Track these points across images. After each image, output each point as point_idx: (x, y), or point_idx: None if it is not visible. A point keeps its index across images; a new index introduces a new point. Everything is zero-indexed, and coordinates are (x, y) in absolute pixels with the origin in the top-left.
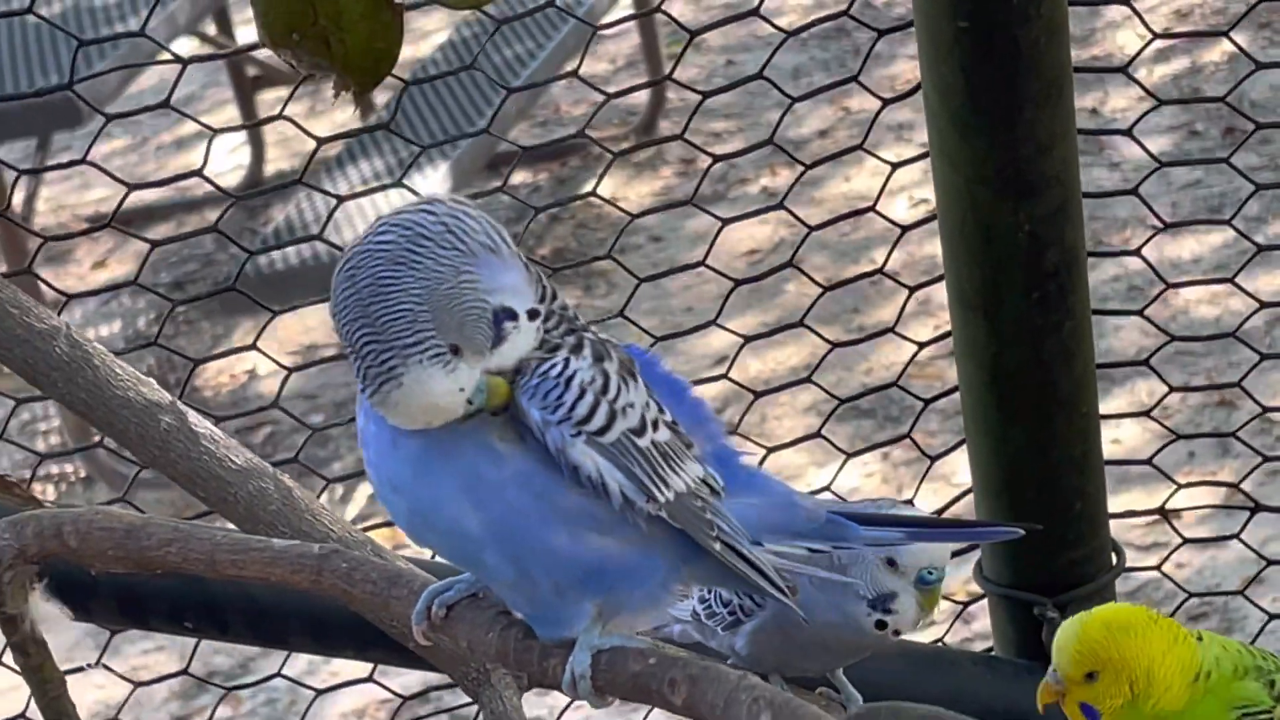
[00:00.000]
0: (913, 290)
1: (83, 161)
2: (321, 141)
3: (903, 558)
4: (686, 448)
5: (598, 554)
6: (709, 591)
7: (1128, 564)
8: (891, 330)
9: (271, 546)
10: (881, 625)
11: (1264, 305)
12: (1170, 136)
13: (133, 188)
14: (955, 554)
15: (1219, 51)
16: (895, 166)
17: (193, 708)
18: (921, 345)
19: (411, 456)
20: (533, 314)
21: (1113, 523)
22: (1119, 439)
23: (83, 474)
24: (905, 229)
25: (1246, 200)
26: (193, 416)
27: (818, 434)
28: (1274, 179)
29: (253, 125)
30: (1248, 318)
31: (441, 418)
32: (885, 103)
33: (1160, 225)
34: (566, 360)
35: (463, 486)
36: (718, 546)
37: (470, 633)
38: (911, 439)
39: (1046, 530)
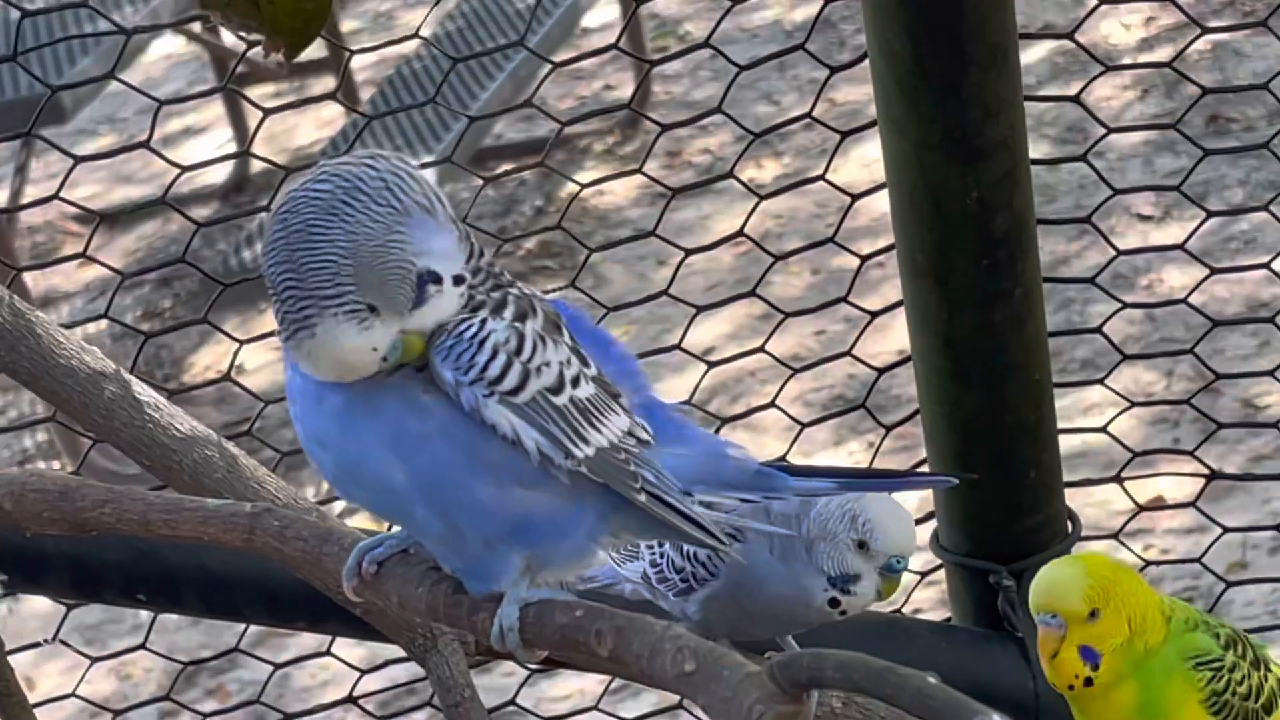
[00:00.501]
0: (875, 314)
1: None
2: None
3: (876, 542)
4: (613, 399)
5: (523, 506)
6: (660, 557)
7: (1084, 532)
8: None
9: (205, 506)
10: (834, 603)
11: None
12: (1155, 122)
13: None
14: (916, 521)
15: (1203, 39)
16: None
17: (180, 699)
18: (874, 314)
19: (337, 411)
20: (458, 279)
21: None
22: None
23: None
24: (856, 197)
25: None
26: (137, 385)
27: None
28: (1257, 166)
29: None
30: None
31: (354, 373)
32: (832, 71)
33: (1146, 215)
34: (482, 321)
35: (388, 440)
36: (642, 498)
37: (400, 588)
38: (873, 414)
39: (1002, 498)
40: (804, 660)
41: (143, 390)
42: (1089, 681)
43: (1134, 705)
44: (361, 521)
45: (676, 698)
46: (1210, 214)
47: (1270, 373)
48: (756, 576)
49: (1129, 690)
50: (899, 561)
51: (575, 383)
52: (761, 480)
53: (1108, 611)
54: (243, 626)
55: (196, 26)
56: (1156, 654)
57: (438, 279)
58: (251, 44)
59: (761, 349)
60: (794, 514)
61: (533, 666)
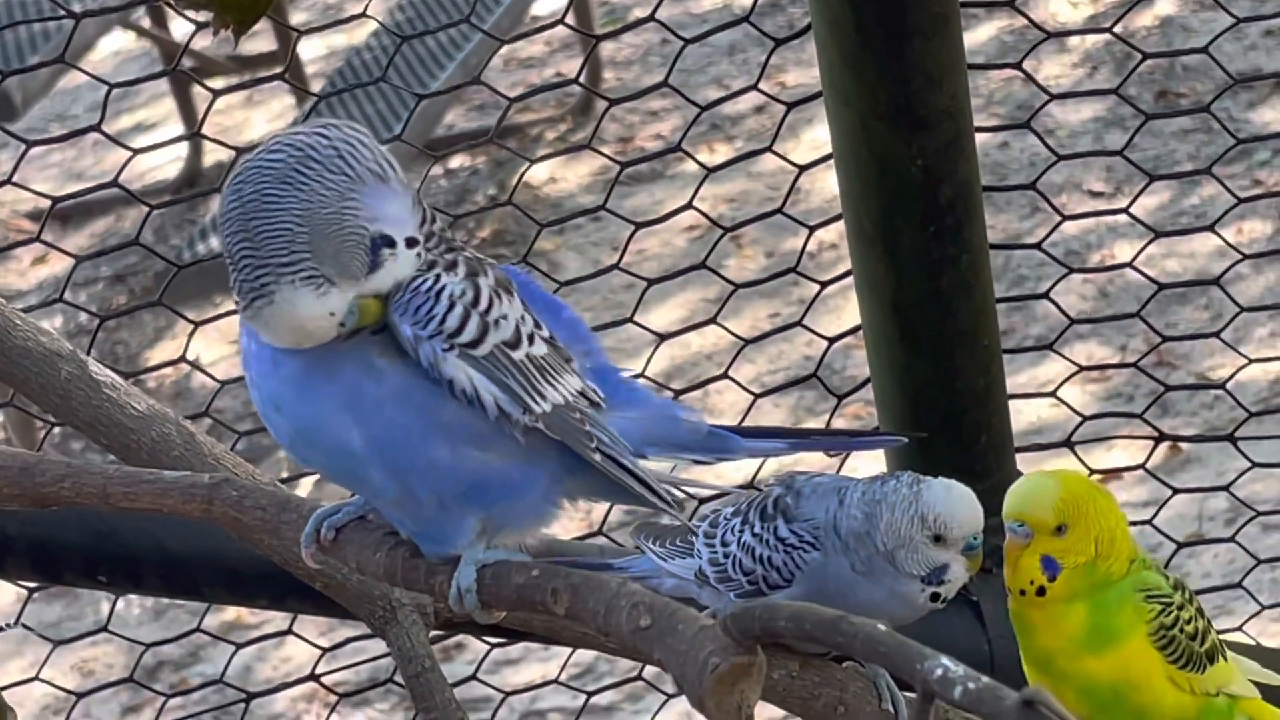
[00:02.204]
0: (824, 284)
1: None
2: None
3: (951, 531)
4: (565, 361)
5: (479, 467)
6: (724, 557)
7: None
8: (800, 323)
9: (163, 478)
10: (934, 597)
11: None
12: (1103, 101)
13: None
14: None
15: (1150, 16)
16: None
17: (143, 698)
18: (824, 284)
19: (292, 376)
20: (411, 242)
21: None
22: (1056, 404)
23: None
24: (803, 168)
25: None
26: (93, 365)
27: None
28: (1206, 140)
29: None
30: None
31: (311, 339)
32: (777, 43)
33: (1097, 191)
34: (438, 276)
35: (344, 404)
36: (597, 457)
37: (358, 553)
38: (824, 383)
39: (953, 463)
40: (757, 611)
41: (99, 370)
42: (1041, 591)
43: (1082, 628)
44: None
45: (638, 680)
46: (1153, 178)
47: (1217, 334)
48: (841, 588)
49: (1079, 612)
50: (975, 538)
51: (531, 339)
52: (713, 442)
53: (1076, 529)
54: (205, 623)
55: (146, 21)
56: (1113, 584)
57: (391, 243)
58: (200, 25)
59: (713, 320)
60: (863, 531)
61: (493, 641)
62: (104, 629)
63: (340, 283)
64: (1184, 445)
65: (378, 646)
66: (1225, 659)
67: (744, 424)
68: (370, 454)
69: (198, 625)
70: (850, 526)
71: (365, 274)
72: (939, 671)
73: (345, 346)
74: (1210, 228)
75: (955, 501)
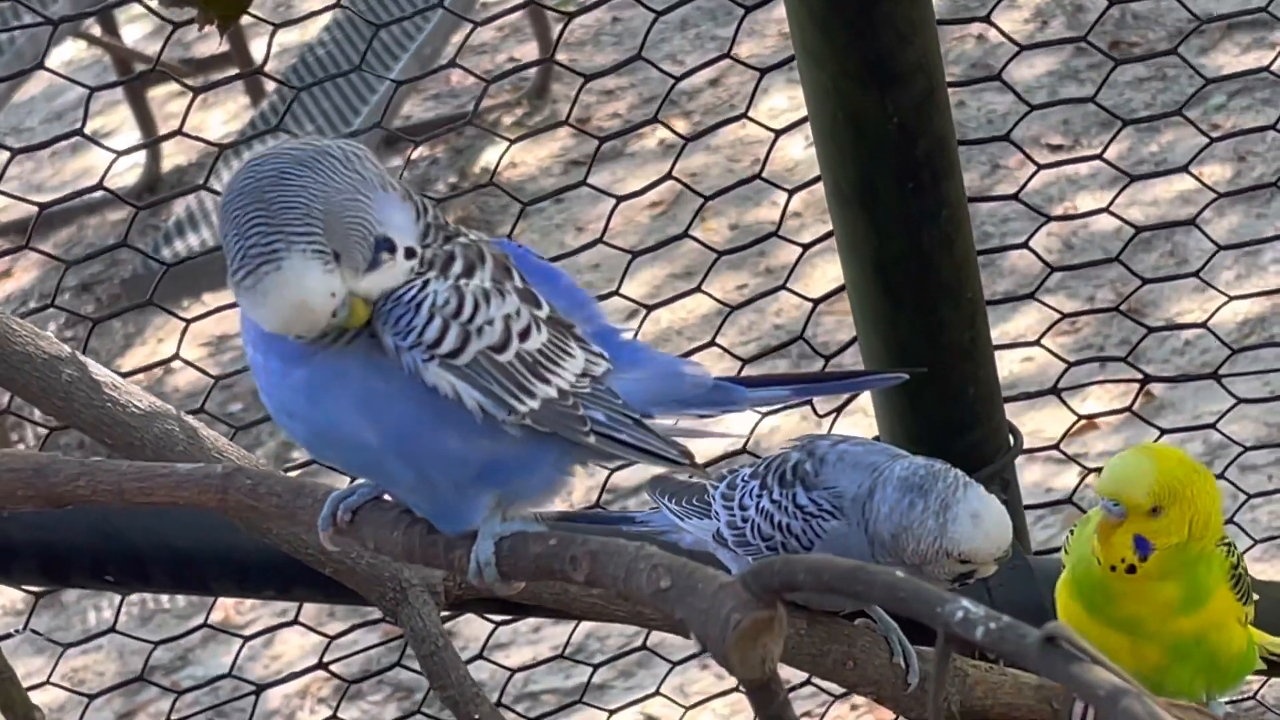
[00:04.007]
0: (808, 245)
1: None
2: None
3: (977, 558)
4: (567, 330)
5: (490, 451)
6: (742, 520)
7: (1025, 445)
8: (785, 287)
9: (176, 471)
10: (963, 584)
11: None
12: (1058, 54)
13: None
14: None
15: None
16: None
17: (136, 703)
18: (805, 246)
19: (303, 384)
20: (410, 253)
21: None
22: (1030, 356)
23: None
24: (778, 133)
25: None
26: (93, 366)
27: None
28: (1162, 88)
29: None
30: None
31: (302, 321)
32: (747, 10)
33: (1055, 145)
34: (424, 283)
35: (356, 404)
36: (592, 440)
37: (376, 533)
38: (811, 344)
39: (942, 416)
40: (775, 566)
41: (99, 370)
42: (1132, 569)
43: (1177, 601)
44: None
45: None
46: (1126, 123)
47: (1196, 273)
48: (862, 557)
49: (1172, 588)
50: (1007, 551)
51: (524, 335)
52: (718, 394)
53: (1172, 511)
54: (196, 624)
55: (97, 29)
56: (1204, 555)
57: (392, 248)
58: (178, 24)
59: (699, 289)
60: (890, 548)
61: (497, 620)
62: (112, 629)
63: (344, 266)
64: (1157, 392)
65: (369, 638)
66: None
67: (755, 427)
68: (386, 447)
69: (206, 620)
70: (877, 535)
71: (364, 270)
72: (959, 614)
73: (351, 348)
74: (1185, 169)
75: (982, 537)
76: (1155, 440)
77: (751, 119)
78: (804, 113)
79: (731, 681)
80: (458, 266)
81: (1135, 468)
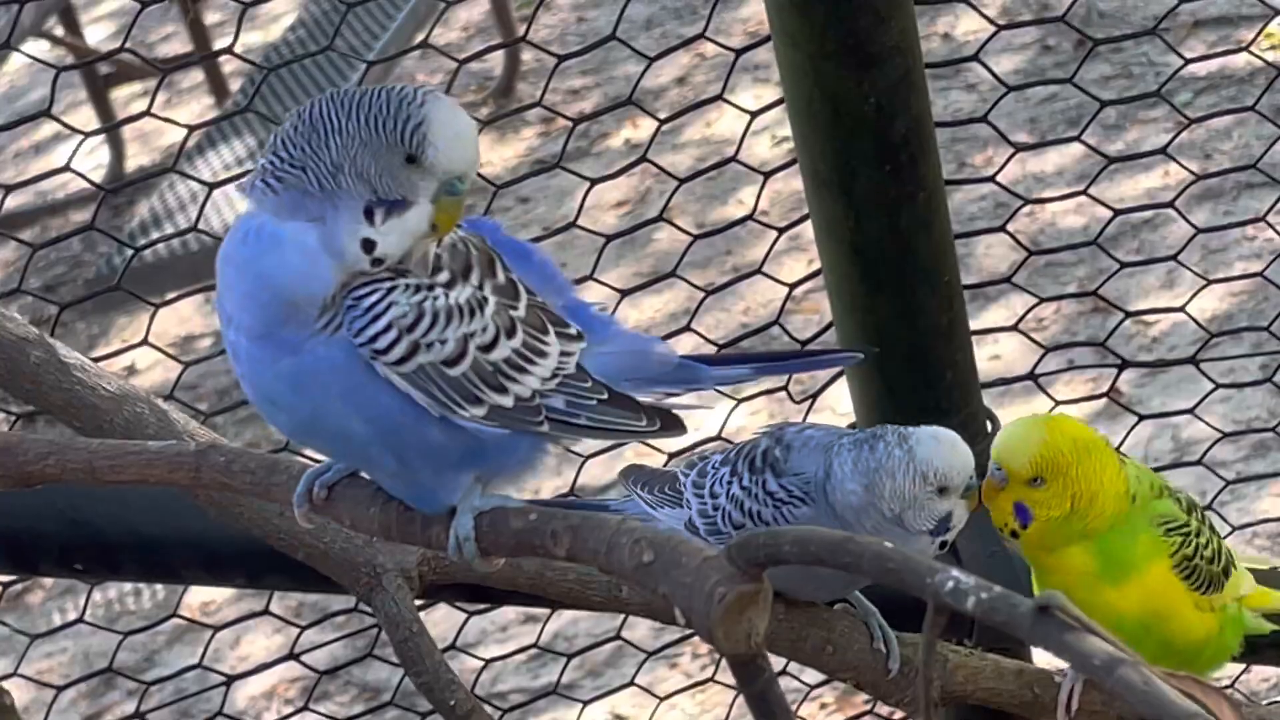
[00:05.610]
0: (782, 232)
1: None
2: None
3: (952, 479)
4: (541, 313)
5: (470, 438)
6: (713, 509)
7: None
8: (760, 271)
9: (148, 449)
10: (944, 545)
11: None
12: (1024, 53)
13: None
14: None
15: None
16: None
17: (102, 704)
18: (781, 230)
19: (287, 373)
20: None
21: None
22: (997, 354)
23: None
24: (755, 114)
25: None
26: (61, 348)
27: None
28: (1127, 86)
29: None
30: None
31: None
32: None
33: (1021, 145)
34: (389, 289)
35: (341, 394)
36: (545, 428)
37: (352, 510)
38: (786, 329)
39: (920, 401)
40: (761, 539)
41: (68, 353)
42: (1014, 534)
43: (1092, 564)
44: None
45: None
46: (1104, 104)
47: (1173, 257)
48: None
49: (1083, 558)
50: (972, 479)
51: (490, 347)
52: (684, 372)
53: (1053, 485)
54: (160, 628)
55: (59, 29)
56: (1127, 519)
57: (372, 220)
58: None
59: (673, 273)
60: (865, 503)
61: (471, 609)
62: (80, 619)
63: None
64: (1125, 389)
65: (332, 633)
66: (1235, 568)
67: (724, 424)
68: (370, 436)
69: (175, 612)
70: (848, 502)
71: (353, 220)
72: (950, 584)
73: (335, 338)
74: (1164, 151)
75: (949, 451)
76: (1130, 430)
77: (728, 100)
78: (770, 115)
79: (701, 677)
80: (444, 275)
81: (1022, 438)
